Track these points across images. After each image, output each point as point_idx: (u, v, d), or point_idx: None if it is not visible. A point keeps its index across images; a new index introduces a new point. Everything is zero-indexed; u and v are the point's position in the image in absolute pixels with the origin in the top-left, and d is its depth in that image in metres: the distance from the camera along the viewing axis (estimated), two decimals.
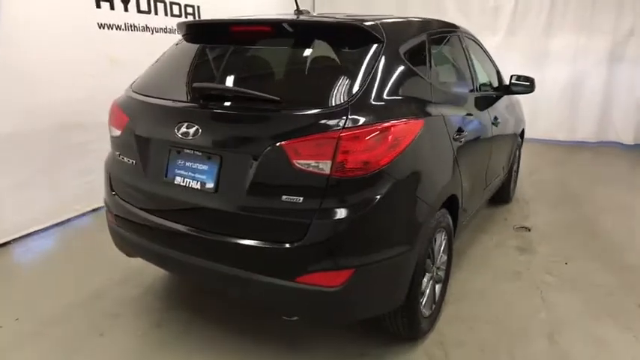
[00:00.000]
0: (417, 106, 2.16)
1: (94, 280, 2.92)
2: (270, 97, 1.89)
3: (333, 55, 2.09)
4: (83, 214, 3.96)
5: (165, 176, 2.11)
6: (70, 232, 3.72)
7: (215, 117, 2.02)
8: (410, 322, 2.19)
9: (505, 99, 3.69)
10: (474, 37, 3.45)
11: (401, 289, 2.04)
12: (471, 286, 2.90)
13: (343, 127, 1.77)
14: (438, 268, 2.43)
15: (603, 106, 6.92)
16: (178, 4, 4.66)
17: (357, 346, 2.30)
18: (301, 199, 1.81)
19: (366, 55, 2.00)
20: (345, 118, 1.79)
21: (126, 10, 4.08)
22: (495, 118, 3.27)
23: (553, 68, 6.96)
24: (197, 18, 4.80)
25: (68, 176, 3.79)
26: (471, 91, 3.04)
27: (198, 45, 2.44)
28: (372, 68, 1.97)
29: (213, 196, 1.97)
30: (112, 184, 2.39)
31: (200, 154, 2.02)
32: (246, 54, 2.34)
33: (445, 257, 2.51)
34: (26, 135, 3.40)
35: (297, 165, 1.79)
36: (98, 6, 3.81)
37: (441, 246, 2.41)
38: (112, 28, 3.95)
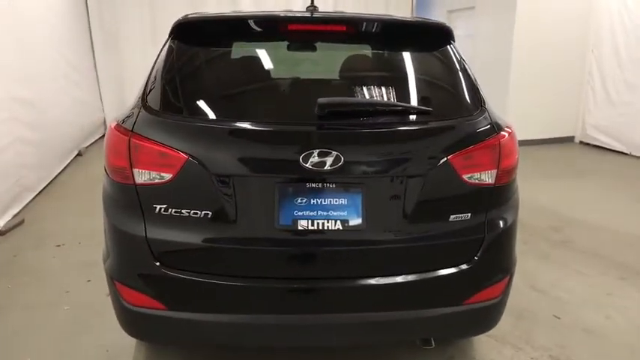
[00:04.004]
0: None
1: None
2: (423, 108, 1.66)
3: (427, 57, 1.92)
4: None
5: (279, 223, 1.58)
6: None
7: (359, 138, 1.61)
8: None
9: None
10: None
11: None
12: None
13: (497, 132, 1.72)
14: None
15: None
16: None
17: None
18: (469, 215, 1.69)
19: (457, 56, 1.92)
20: (490, 123, 1.74)
21: None
22: None
23: None
24: None
25: None
26: None
27: (243, 47, 1.84)
28: (467, 68, 1.91)
29: (363, 233, 1.60)
30: (154, 254, 1.61)
31: (334, 186, 1.59)
32: (327, 57, 1.91)
33: None
34: None
35: (466, 179, 1.65)
36: None
37: None
38: None
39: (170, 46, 1.81)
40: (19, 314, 2.57)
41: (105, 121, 7.66)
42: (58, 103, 5.41)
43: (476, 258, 1.69)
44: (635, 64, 6.00)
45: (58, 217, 4.04)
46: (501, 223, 1.75)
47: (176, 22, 1.82)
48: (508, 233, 1.79)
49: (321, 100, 1.58)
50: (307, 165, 1.52)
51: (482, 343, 2.34)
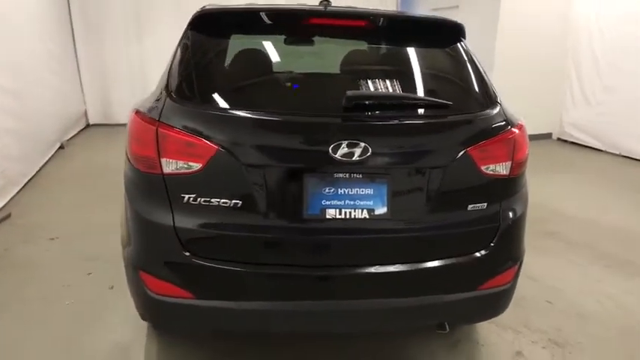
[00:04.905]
0: None
1: None
2: (444, 102, 1.72)
3: (442, 53, 1.98)
4: None
5: (307, 212, 1.61)
6: None
7: (386, 130, 1.66)
8: None
9: None
10: None
11: None
12: None
13: (512, 126, 1.80)
14: None
15: None
16: None
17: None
18: (485, 204, 1.76)
19: (468, 52, 1.98)
20: (504, 117, 1.82)
21: None
22: None
23: None
24: None
25: None
26: None
27: (267, 39, 1.85)
28: (479, 64, 1.98)
29: (388, 222, 1.66)
30: (183, 243, 1.62)
31: (360, 176, 1.64)
32: (345, 51, 1.94)
33: None
34: None
35: (484, 170, 1.73)
36: None
37: None
38: None
39: (192, 37, 1.81)
40: (18, 309, 2.52)
41: (86, 113, 7.46)
42: (40, 93, 5.25)
43: (492, 245, 1.78)
44: (611, 67, 6.27)
45: (47, 211, 3.94)
46: (514, 212, 1.84)
47: (197, 14, 1.82)
48: (519, 222, 1.88)
49: (349, 92, 1.61)
50: (336, 156, 1.56)
51: (485, 328, 2.44)
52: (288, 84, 1.84)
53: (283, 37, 1.90)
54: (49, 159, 5.37)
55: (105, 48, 7.38)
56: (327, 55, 2.00)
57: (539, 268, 3.10)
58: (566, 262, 3.26)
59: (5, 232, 3.49)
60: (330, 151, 1.56)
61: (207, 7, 1.85)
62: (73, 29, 7.13)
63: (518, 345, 2.34)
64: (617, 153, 6.29)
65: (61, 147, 5.90)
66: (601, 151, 6.56)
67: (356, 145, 1.57)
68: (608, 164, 6.11)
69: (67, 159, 5.60)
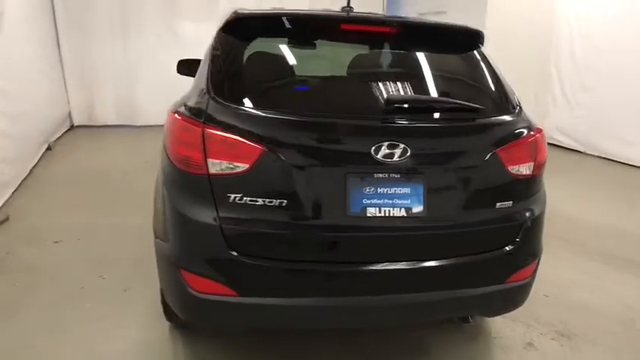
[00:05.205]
0: None
1: None
2: (476, 106, 1.81)
3: (464, 58, 2.09)
4: None
5: (350, 210, 1.68)
6: None
7: (423, 132, 1.75)
8: None
9: None
10: None
11: None
12: None
13: (534, 129, 1.92)
14: None
15: None
16: None
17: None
18: (511, 203, 1.87)
19: (486, 59, 2.11)
20: (527, 120, 1.94)
21: None
22: None
23: None
24: None
25: None
26: None
27: (295, 43, 1.91)
28: (496, 70, 2.10)
29: (424, 219, 1.74)
30: (228, 241, 1.65)
31: (398, 176, 1.71)
32: (372, 56, 2.01)
33: None
34: None
35: (510, 170, 1.83)
36: None
37: None
38: None
39: (227, 40, 1.85)
40: (35, 314, 2.47)
41: (70, 114, 7.29)
42: (27, 93, 5.12)
43: (517, 241, 1.88)
44: (590, 69, 6.54)
45: (45, 213, 3.86)
46: (535, 210, 1.95)
47: (233, 17, 1.86)
48: (539, 220, 1.99)
49: (390, 95, 1.69)
50: (378, 156, 1.64)
51: (497, 322, 2.56)
52: (331, 87, 1.90)
53: (316, 41, 1.96)
54: (38, 161, 5.24)
55: (90, 47, 7.20)
56: (363, 60, 2.07)
57: (541, 266, 3.25)
58: (560, 259, 3.42)
59: (5, 236, 3.41)
60: (372, 152, 1.63)
61: (241, 12, 1.89)
62: (56, 28, 6.95)
63: (529, 337, 2.46)
64: (598, 155, 6.55)
65: (49, 148, 5.76)
66: (581, 152, 6.84)
67: (396, 147, 1.65)
68: (591, 166, 6.36)
69: (55, 161, 5.47)
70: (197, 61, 2.93)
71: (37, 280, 2.80)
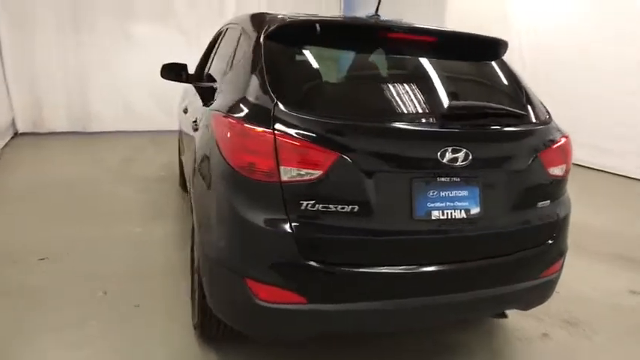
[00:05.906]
0: None
1: None
2: (520, 112, 1.93)
3: (489, 67, 2.20)
4: None
5: (416, 214, 1.71)
6: None
7: (481, 137, 1.83)
8: None
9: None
10: None
11: None
12: None
13: (564, 134, 2.08)
14: None
15: None
16: None
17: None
18: (549, 202, 2.00)
19: (509, 67, 2.26)
20: (556, 126, 2.10)
21: None
22: None
23: None
24: None
25: None
26: None
27: (346, 50, 1.92)
28: (519, 78, 2.25)
29: (481, 221, 1.82)
30: (300, 248, 1.62)
31: (458, 179, 1.78)
32: (417, 64, 2.06)
33: None
34: None
35: (549, 172, 1.97)
36: None
37: None
38: None
39: (274, 47, 1.84)
40: (45, 338, 2.25)
41: (14, 121, 6.65)
42: None
43: (554, 236, 2.02)
44: (550, 81, 6.66)
45: (14, 229, 3.51)
46: (565, 209, 2.11)
47: (281, 24, 1.85)
48: (568, 218, 2.15)
49: (452, 102, 1.76)
50: (443, 161, 1.69)
51: (511, 316, 2.71)
52: (387, 93, 1.92)
53: (366, 49, 1.99)
54: None
55: (34, 46, 6.60)
56: (408, 68, 2.13)
57: None
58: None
59: None
60: (439, 156, 1.69)
61: (290, 19, 1.89)
62: None
63: (544, 328, 2.64)
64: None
65: None
66: None
67: (459, 151, 1.72)
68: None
69: (4, 172, 4.98)
70: (181, 66, 2.83)
71: (30, 304, 2.52)
